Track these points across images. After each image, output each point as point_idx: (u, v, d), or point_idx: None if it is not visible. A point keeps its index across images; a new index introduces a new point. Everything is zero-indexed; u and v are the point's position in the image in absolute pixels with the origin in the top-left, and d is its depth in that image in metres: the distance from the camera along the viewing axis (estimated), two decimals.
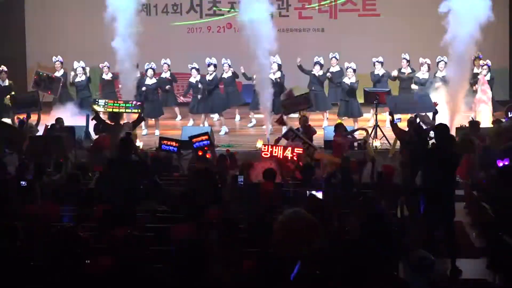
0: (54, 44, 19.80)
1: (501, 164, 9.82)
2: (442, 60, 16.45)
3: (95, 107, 14.29)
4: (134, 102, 14.55)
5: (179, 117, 18.50)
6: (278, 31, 19.78)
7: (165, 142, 12.68)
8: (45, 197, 9.24)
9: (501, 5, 19.17)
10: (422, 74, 16.71)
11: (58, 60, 17.73)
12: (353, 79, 16.65)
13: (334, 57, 17.39)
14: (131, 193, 9.08)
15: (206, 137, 12.41)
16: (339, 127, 13.30)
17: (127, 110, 14.39)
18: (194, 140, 12.41)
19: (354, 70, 16.69)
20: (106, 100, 14.68)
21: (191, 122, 17.52)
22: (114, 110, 14.05)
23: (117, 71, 16.32)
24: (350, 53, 18.01)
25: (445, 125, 9.19)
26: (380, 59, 17.10)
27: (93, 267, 5.44)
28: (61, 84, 16.85)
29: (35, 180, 9.64)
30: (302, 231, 4.47)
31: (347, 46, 18.99)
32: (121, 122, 13.57)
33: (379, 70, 17.04)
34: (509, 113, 14.49)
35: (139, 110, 14.29)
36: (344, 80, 16.75)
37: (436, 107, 13.29)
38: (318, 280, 4.49)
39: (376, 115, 15.35)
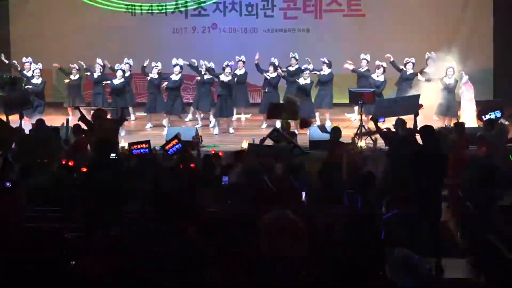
0: (39, 46, 19.69)
1: None
2: (430, 57, 16.61)
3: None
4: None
5: (132, 117, 18.27)
6: (263, 32, 20.07)
7: (135, 146, 12.13)
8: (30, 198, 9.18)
9: (485, 5, 19.29)
10: (408, 72, 16.80)
11: (27, 61, 17.49)
12: (308, 80, 16.72)
13: (294, 57, 17.48)
14: (112, 194, 8.98)
15: (176, 141, 12.24)
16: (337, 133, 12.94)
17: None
18: (167, 147, 12.25)
19: (311, 71, 16.82)
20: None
21: (148, 125, 17.46)
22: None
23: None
24: (335, 53, 18.07)
25: (431, 127, 9.21)
26: (365, 56, 17.17)
27: (78, 269, 5.43)
28: (23, 82, 16.71)
29: (21, 181, 9.57)
30: (286, 232, 4.47)
31: (332, 46, 19.05)
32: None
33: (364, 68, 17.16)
34: (483, 117, 14.09)
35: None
36: (298, 81, 16.82)
37: (420, 109, 13.28)
38: (304, 281, 4.50)
39: (361, 115, 15.35)
